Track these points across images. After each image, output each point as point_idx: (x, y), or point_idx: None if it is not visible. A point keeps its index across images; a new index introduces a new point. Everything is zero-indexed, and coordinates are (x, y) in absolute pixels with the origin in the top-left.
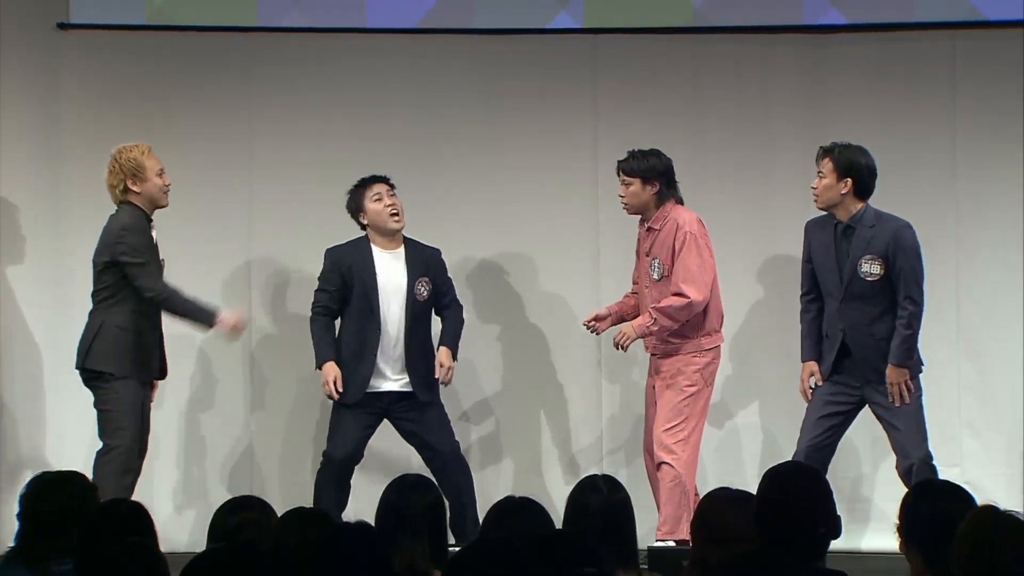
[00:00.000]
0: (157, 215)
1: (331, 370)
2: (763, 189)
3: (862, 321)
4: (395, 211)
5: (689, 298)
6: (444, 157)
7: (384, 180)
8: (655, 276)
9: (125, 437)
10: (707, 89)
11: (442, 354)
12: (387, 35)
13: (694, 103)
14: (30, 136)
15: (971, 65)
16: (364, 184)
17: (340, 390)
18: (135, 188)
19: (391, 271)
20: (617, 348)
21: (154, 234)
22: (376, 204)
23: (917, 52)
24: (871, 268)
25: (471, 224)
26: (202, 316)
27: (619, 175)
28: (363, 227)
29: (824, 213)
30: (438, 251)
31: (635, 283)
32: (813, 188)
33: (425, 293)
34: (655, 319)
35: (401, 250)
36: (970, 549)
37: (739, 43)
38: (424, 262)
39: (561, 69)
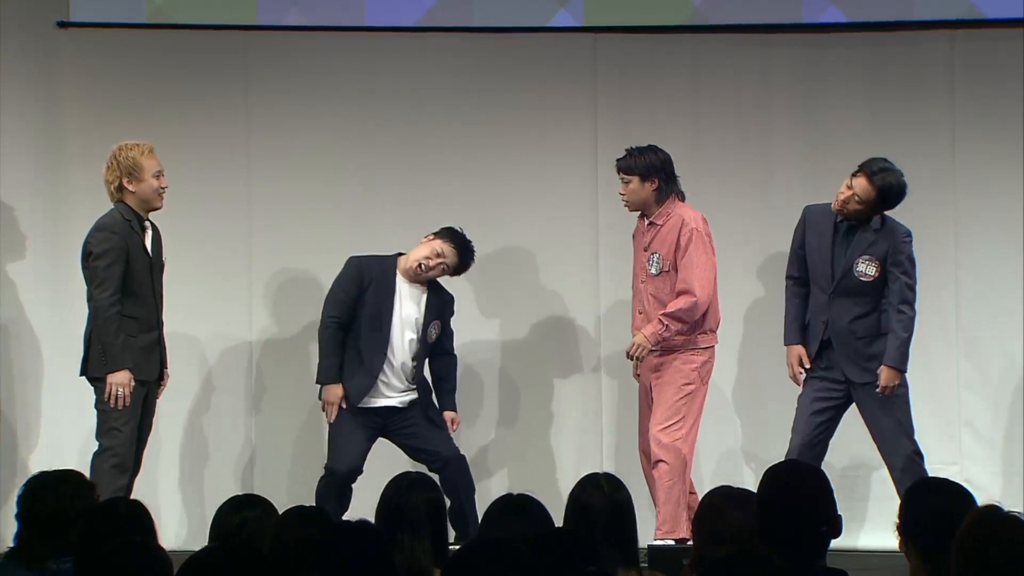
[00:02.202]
0: (157, 215)
1: (335, 393)
2: (762, 188)
3: (845, 318)
4: (431, 269)
5: (696, 296)
6: (443, 156)
7: (450, 240)
8: (652, 271)
9: (120, 437)
10: (707, 88)
11: (452, 416)
12: (386, 33)
13: (694, 102)
14: (30, 135)
15: (971, 64)
16: (440, 233)
17: (343, 406)
18: (130, 187)
19: (411, 305)
20: (631, 359)
21: (148, 237)
22: (422, 253)
23: (916, 51)
24: (867, 269)
25: (470, 223)
26: (107, 358)
27: (618, 173)
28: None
29: (825, 201)
30: (453, 298)
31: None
32: (840, 196)
33: (435, 335)
34: (666, 325)
35: (424, 289)
36: (970, 549)
37: (739, 42)
38: (441, 307)
39: (561, 68)
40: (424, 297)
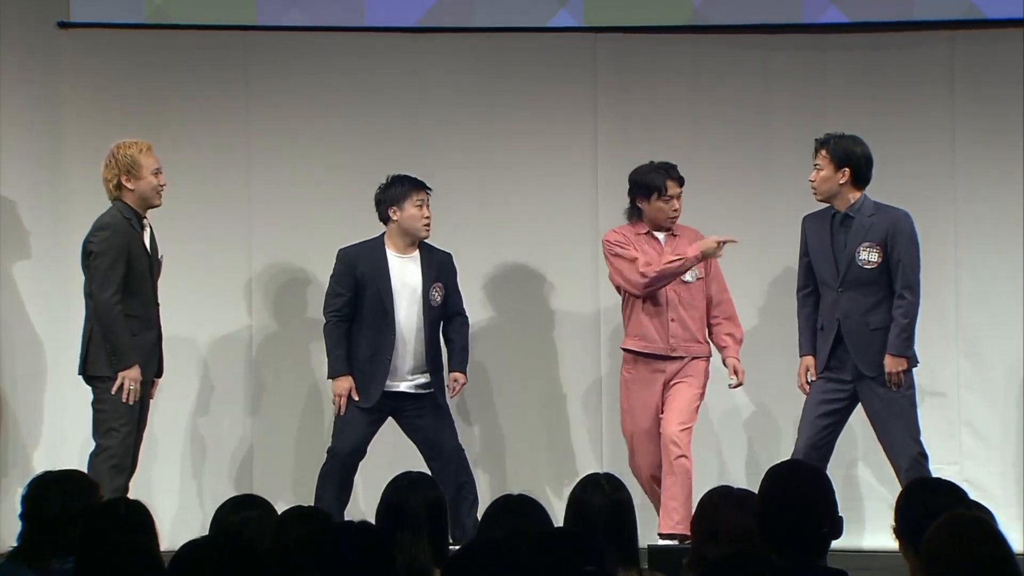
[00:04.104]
0: (156, 215)
1: (344, 386)
2: (763, 188)
3: (858, 310)
4: (429, 223)
5: (736, 319)
6: (443, 156)
7: (430, 189)
8: (688, 279)
9: (118, 437)
10: (707, 88)
11: (457, 377)
12: (386, 34)
13: (694, 102)
14: (30, 135)
15: (971, 64)
16: (411, 185)
17: (355, 398)
18: (128, 185)
19: (406, 275)
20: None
21: (146, 235)
22: (417, 210)
23: (916, 51)
24: (869, 256)
25: (470, 223)
26: (117, 356)
27: (677, 185)
28: (385, 221)
29: (822, 207)
30: (450, 255)
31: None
32: (811, 181)
33: (439, 298)
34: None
35: (416, 254)
36: (940, 553)
37: (739, 42)
38: (438, 267)
39: (561, 68)
40: (418, 262)
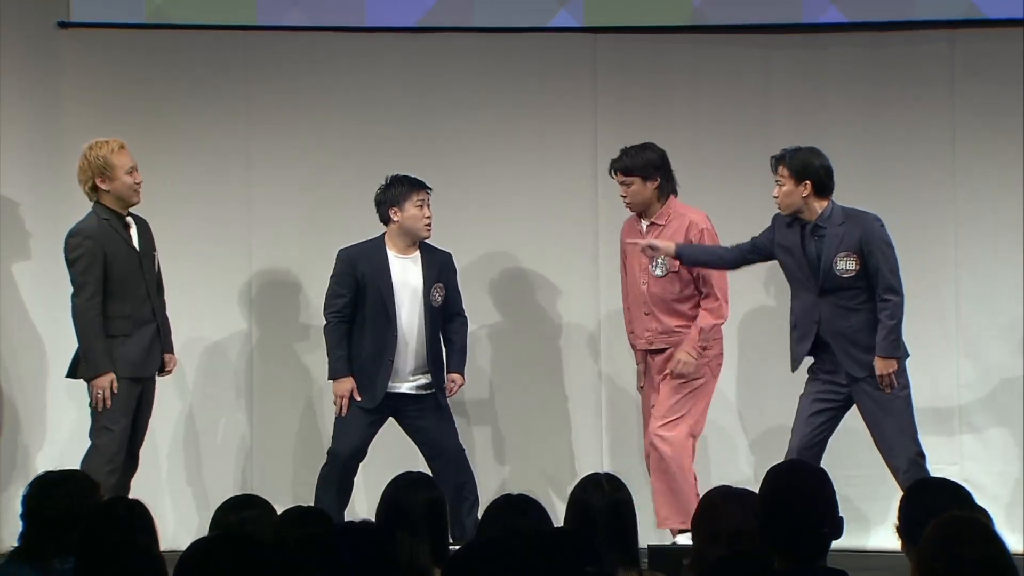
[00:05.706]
0: (156, 215)
1: (345, 387)
2: (763, 188)
3: (837, 314)
4: (430, 223)
5: (720, 300)
6: (443, 156)
7: (430, 189)
8: (657, 272)
9: (110, 436)
10: (707, 88)
11: (454, 378)
12: (386, 34)
13: (694, 102)
14: (30, 136)
15: (971, 64)
16: (412, 185)
17: (357, 398)
18: (103, 186)
19: (407, 276)
20: (676, 377)
21: (133, 232)
22: (418, 210)
23: (916, 51)
24: (847, 265)
25: (470, 224)
26: (88, 361)
27: (615, 175)
28: (385, 222)
29: None
30: (450, 255)
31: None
32: (775, 197)
33: (440, 299)
34: (704, 339)
35: (417, 255)
36: (934, 554)
37: (739, 42)
38: (438, 267)
39: (561, 68)
40: (418, 262)
